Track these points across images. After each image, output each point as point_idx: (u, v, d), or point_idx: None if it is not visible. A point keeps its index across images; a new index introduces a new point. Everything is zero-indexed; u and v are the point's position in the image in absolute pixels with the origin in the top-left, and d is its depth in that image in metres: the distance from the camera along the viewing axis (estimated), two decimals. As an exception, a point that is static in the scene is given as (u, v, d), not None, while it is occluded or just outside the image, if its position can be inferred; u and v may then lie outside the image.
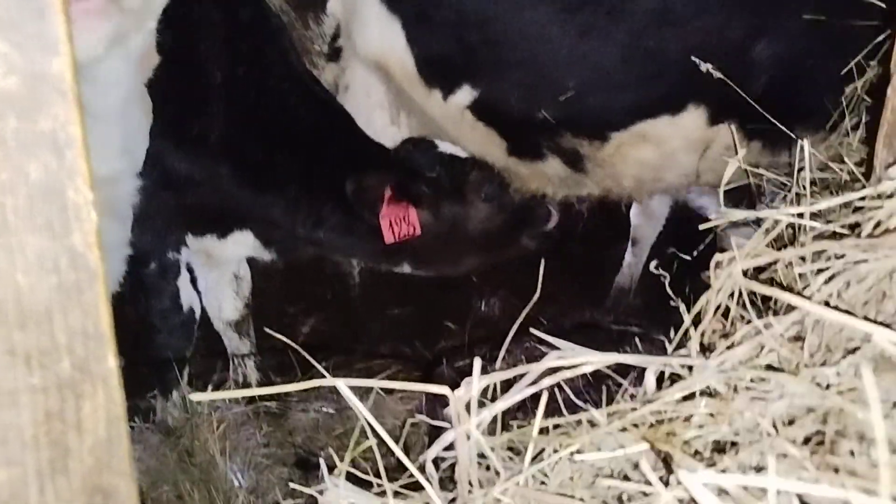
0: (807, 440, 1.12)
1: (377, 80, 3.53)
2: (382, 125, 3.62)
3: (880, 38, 2.20)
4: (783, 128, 2.22)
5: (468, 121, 3.42)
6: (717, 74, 2.38)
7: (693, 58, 2.45)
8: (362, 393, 3.61)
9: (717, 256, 1.34)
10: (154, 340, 3.25)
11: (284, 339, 1.59)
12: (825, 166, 2.16)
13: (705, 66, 2.39)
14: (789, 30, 2.94)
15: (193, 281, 3.49)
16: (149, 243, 3.03)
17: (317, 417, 3.48)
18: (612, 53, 3.07)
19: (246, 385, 3.77)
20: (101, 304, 0.97)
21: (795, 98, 2.88)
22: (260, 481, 3.17)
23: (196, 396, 1.24)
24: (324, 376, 1.32)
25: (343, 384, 1.26)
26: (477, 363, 1.17)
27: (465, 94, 3.33)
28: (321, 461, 1.24)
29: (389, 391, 3.40)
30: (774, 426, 1.14)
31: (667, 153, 3.28)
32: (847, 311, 1.22)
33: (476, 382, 1.17)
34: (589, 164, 3.42)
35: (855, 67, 2.31)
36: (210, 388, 3.47)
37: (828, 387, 1.21)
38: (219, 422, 3.37)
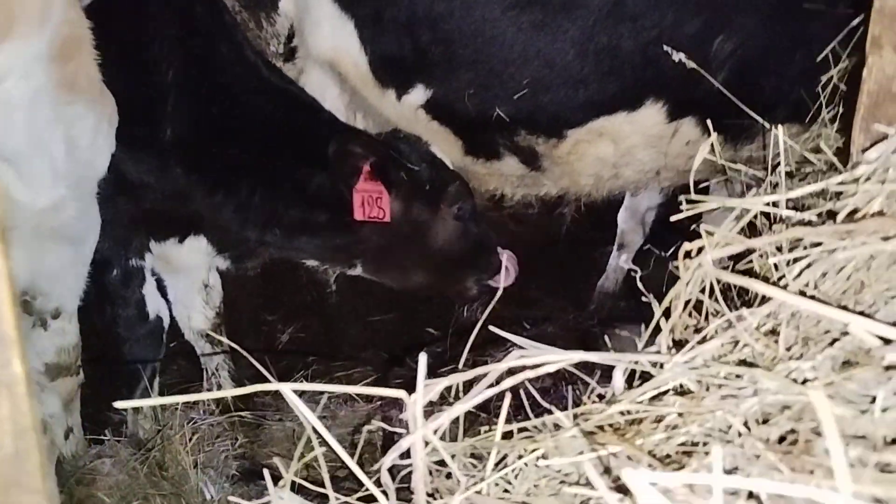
0: (782, 439, 1.04)
1: (332, 82, 3.46)
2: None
3: (854, 22, 2.13)
4: (756, 117, 2.15)
5: (422, 120, 3.36)
6: (691, 64, 2.31)
7: (665, 47, 2.38)
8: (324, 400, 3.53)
9: (686, 246, 1.27)
10: (121, 350, 3.15)
11: (229, 342, 1.50)
12: (804, 159, 2.10)
13: (678, 56, 2.32)
14: (749, 22, 2.90)
15: (163, 290, 3.40)
16: (110, 250, 2.92)
17: (292, 427, 3.39)
18: (565, 49, 3.03)
19: (222, 397, 3.67)
20: (3, 306, 0.88)
21: (758, 90, 2.83)
22: (233, 493, 3.08)
23: (120, 404, 1.15)
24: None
25: (288, 389, 1.18)
26: (422, 361, 1.09)
27: (418, 94, 3.28)
28: (265, 472, 1.15)
29: (351, 397, 3.31)
30: (747, 425, 1.06)
31: (625, 150, 3.24)
32: (824, 302, 1.15)
33: (420, 383, 1.08)
34: (546, 162, 3.37)
35: (831, 56, 2.25)
36: (181, 399, 3.35)
37: (804, 382, 1.14)
38: (191, 433, 3.28)
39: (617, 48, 2.95)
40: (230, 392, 1.16)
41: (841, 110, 2.12)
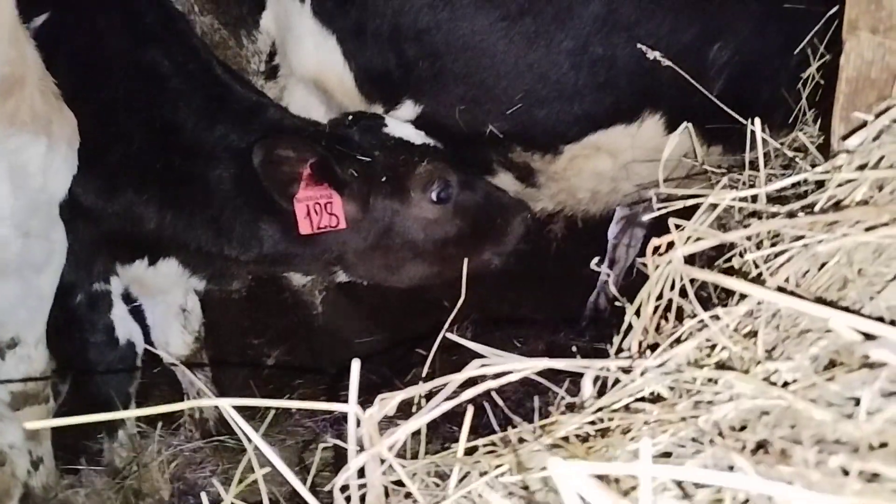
0: (759, 446, 0.95)
1: (317, 100, 3.38)
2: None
3: (832, 11, 2.06)
4: (738, 117, 2.08)
5: None
6: (666, 62, 2.24)
7: (640, 45, 2.31)
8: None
9: (654, 241, 1.18)
10: (93, 377, 3.04)
11: (171, 357, 1.41)
12: (789, 162, 2.02)
13: (653, 54, 2.25)
14: (745, 28, 2.83)
15: (139, 314, 3.31)
16: (73, 274, 2.80)
17: (280, 454, 3.30)
18: (559, 62, 2.91)
19: (203, 421, 3.57)
20: None
21: (755, 96, 2.76)
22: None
23: (30, 425, 1.06)
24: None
25: (227, 403, 1.09)
26: (355, 368, 1.00)
27: (407, 110, 3.17)
28: (202, 495, 1.06)
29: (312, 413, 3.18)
30: (721, 434, 0.97)
31: (623, 163, 3.14)
32: (803, 298, 1.06)
33: (353, 393, 0.99)
34: (542, 178, 3.26)
35: (811, 51, 2.18)
36: (160, 425, 3.26)
37: (784, 385, 1.05)
38: (169, 460, 3.18)
39: (612, 59, 2.86)
40: (160, 409, 1.07)
41: (820, 109, 2.05)
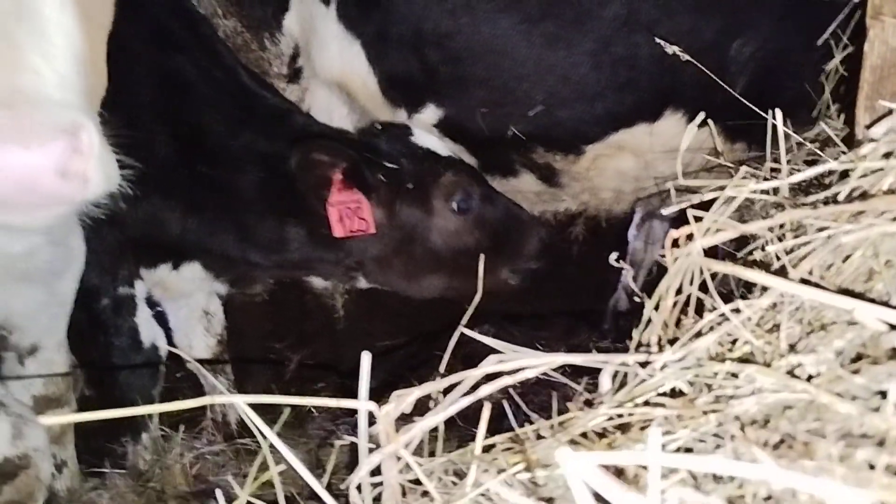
0: (782, 442, 0.92)
1: (339, 101, 3.39)
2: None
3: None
4: (758, 111, 2.04)
5: None
6: (685, 57, 2.21)
7: (658, 39, 2.28)
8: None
9: (673, 233, 1.16)
10: (117, 380, 3.06)
11: (191, 359, 1.41)
12: (812, 155, 1.98)
13: (672, 49, 2.23)
14: (766, 24, 2.79)
15: (162, 317, 3.33)
16: (98, 279, 2.83)
17: (297, 454, 3.29)
18: (580, 62, 2.90)
19: (225, 424, 3.58)
20: None
21: (779, 92, 2.71)
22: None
23: (47, 420, 1.06)
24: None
25: (243, 401, 1.08)
26: (365, 362, 0.99)
27: (430, 113, 3.18)
28: (217, 492, 1.05)
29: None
30: (742, 428, 0.95)
31: (647, 162, 3.12)
32: (826, 289, 1.03)
33: (363, 386, 0.98)
34: (564, 178, 3.25)
35: (834, 43, 2.14)
36: (182, 428, 3.27)
37: (808, 379, 1.02)
38: (192, 463, 3.19)
39: (633, 58, 2.85)
40: (173, 406, 1.06)
41: (844, 103, 2.01)
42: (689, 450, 0.99)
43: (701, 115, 1.52)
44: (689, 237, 1.14)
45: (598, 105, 2.96)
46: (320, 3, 3.10)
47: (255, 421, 1.08)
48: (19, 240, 2.11)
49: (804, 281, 1.12)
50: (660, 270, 2.42)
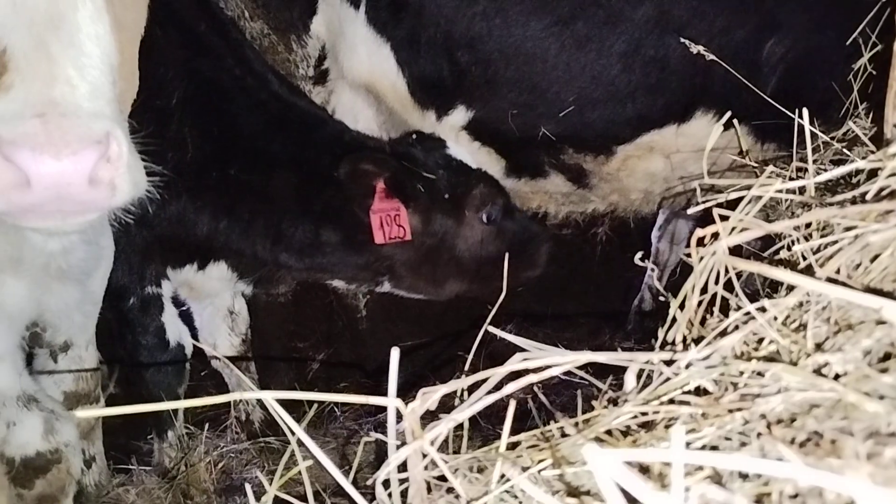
0: (808, 440, 0.92)
1: (364, 104, 3.41)
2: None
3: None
4: (786, 111, 2.03)
5: (464, 141, 3.29)
6: (710, 57, 2.21)
7: (683, 39, 2.28)
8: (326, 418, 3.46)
9: (699, 231, 1.16)
10: (144, 378, 3.10)
11: (218, 354, 1.43)
12: (840, 154, 1.97)
13: (696, 48, 2.22)
14: (798, 24, 2.77)
15: (188, 316, 3.37)
16: (126, 278, 2.88)
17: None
18: (611, 64, 2.91)
19: (249, 423, 3.62)
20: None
21: (811, 91, 2.69)
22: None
23: (83, 413, 1.08)
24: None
25: (270, 396, 1.10)
26: (394, 357, 1.00)
27: (459, 115, 3.20)
28: (246, 486, 1.07)
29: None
30: (769, 427, 0.95)
31: (677, 163, 3.10)
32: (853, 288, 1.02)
33: (392, 381, 0.99)
34: (594, 179, 3.26)
35: (862, 42, 2.12)
36: (207, 426, 3.31)
37: (836, 378, 1.02)
38: (216, 461, 3.23)
39: (665, 60, 2.85)
40: (200, 401, 1.08)
41: (873, 102, 1.99)
42: (714, 448, 0.99)
43: (727, 115, 1.52)
44: (715, 236, 1.14)
45: (629, 106, 2.98)
46: (349, 7, 3.13)
47: (283, 416, 1.10)
48: (57, 238, 2.15)
49: (831, 280, 1.12)
50: (684, 271, 2.42)
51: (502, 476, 1.18)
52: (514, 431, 1.24)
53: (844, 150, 1.81)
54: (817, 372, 1.02)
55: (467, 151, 3.19)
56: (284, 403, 1.19)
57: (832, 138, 1.90)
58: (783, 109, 2.10)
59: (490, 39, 2.98)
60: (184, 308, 3.36)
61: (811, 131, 1.54)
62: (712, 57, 2.24)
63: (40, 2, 1.37)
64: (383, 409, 3.55)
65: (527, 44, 2.95)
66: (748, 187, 1.27)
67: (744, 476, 0.88)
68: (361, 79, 3.29)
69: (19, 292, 2.25)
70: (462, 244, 2.95)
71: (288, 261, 2.95)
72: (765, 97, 2.25)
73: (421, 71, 3.14)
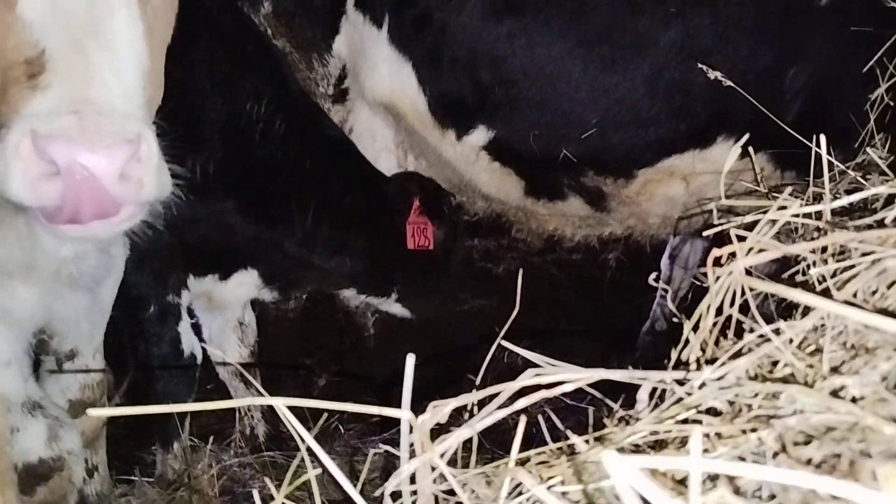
0: (824, 461, 0.91)
1: (382, 123, 3.44)
2: (389, 168, 3.53)
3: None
4: (802, 139, 2.03)
5: (483, 161, 3.30)
6: (728, 83, 2.22)
7: (700, 64, 2.29)
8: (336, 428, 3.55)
9: (716, 252, 1.16)
10: (154, 388, 3.09)
11: (232, 360, 1.42)
12: (857, 182, 1.97)
13: (713, 74, 2.23)
14: (820, 53, 2.80)
15: (196, 327, 3.36)
16: (148, 287, 2.90)
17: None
18: (635, 87, 2.93)
19: (254, 438, 3.60)
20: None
21: (829, 121, 2.70)
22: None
23: (94, 412, 1.08)
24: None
25: (282, 403, 1.09)
26: (410, 364, 0.99)
27: (480, 135, 3.22)
28: (254, 493, 1.06)
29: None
30: (784, 448, 0.94)
31: (695, 188, 3.10)
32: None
33: (407, 390, 0.98)
34: (613, 202, 3.27)
35: (879, 72, 2.13)
36: (211, 439, 3.30)
37: (853, 401, 1.01)
38: (219, 474, 3.21)
39: (688, 84, 2.87)
40: (213, 405, 1.08)
41: (889, 132, 1.99)
42: (728, 468, 0.98)
43: (745, 136, 1.52)
44: (732, 256, 1.14)
45: (651, 130, 3.00)
46: (372, 26, 3.16)
47: (294, 423, 1.09)
48: (70, 244, 2.16)
49: (848, 303, 1.11)
50: (696, 294, 2.40)
51: (513, 489, 1.17)
52: (524, 445, 1.23)
53: (860, 179, 1.81)
54: (834, 394, 1.01)
55: (486, 170, 3.25)
56: (294, 416, 1.19)
57: (847, 167, 1.90)
58: (800, 138, 2.10)
59: (514, 60, 3.01)
60: (193, 321, 3.36)
61: (828, 160, 1.54)
62: (730, 83, 2.24)
63: (79, 6, 1.41)
64: (389, 427, 3.57)
65: (551, 65, 2.98)
66: (765, 210, 1.27)
67: (759, 497, 0.87)
68: (382, 97, 3.32)
69: (29, 298, 2.26)
70: (452, 259, 3.61)
71: (338, 266, 3.24)
72: (782, 125, 2.25)
73: (442, 90, 3.17)
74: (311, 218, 3.05)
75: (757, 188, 2.33)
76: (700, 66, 2.33)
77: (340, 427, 3.60)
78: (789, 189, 1.26)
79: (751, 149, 1.71)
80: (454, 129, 3.25)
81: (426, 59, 3.14)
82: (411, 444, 1.16)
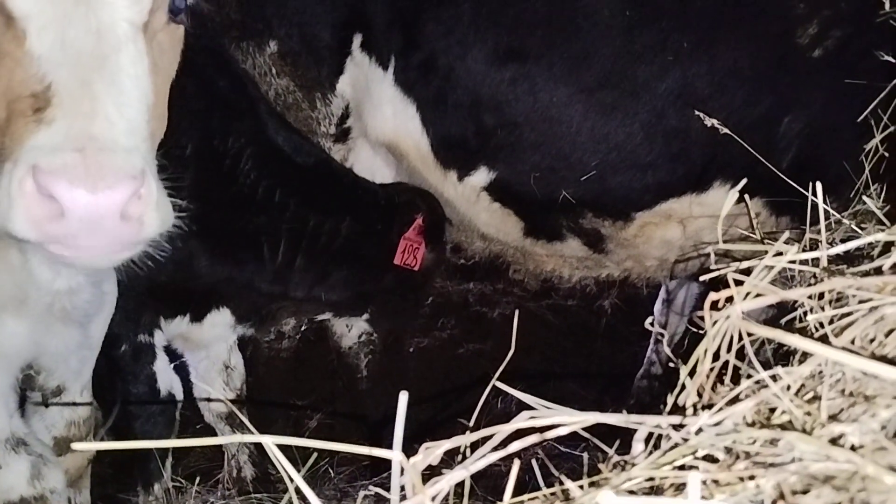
0: (824, 512, 0.89)
1: (383, 162, 3.46)
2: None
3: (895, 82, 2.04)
4: (797, 187, 2.04)
5: (484, 202, 3.33)
6: (724, 130, 2.24)
7: (697, 112, 2.32)
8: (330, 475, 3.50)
9: (713, 295, 1.15)
10: (132, 427, 3.04)
11: (223, 398, 1.40)
12: (853, 231, 1.97)
13: (710, 122, 2.26)
14: (815, 102, 2.85)
15: (183, 369, 3.32)
16: (119, 326, 2.85)
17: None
18: (635, 132, 2.99)
19: (241, 480, 3.53)
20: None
21: (824, 168, 2.74)
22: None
23: (78, 446, 1.05)
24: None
25: (271, 441, 1.07)
26: (402, 402, 0.97)
27: (481, 176, 3.25)
28: (239, 534, 1.03)
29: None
30: (782, 496, 0.92)
31: (692, 232, 3.13)
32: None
33: (398, 430, 0.96)
34: (611, 244, 3.29)
35: (874, 121, 2.15)
36: (198, 480, 3.23)
37: (853, 449, 0.99)
38: (204, 517, 3.15)
39: (686, 131, 2.92)
40: (179, 442, 1.05)
41: (884, 182, 2.00)
42: (724, 518, 0.96)
43: (743, 181, 1.53)
44: (729, 301, 1.13)
45: (649, 173, 3.04)
46: (377, 67, 3.19)
47: (283, 462, 1.07)
48: (65, 277, 2.16)
49: (846, 350, 1.10)
50: (691, 339, 2.39)
51: (503, 538, 1.14)
52: (516, 490, 1.20)
53: (855, 228, 1.82)
54: (833, 442, 0.99)
55: (486, 211, 3.27)
56: (285, 456, 1.17)
57: (843, 215, 1.91)
58: (795, 185, 2.12)
59: (517, 104, 3.07)
60: (181, 360, 3.31)
61: (824, 209, 1.54)
62: (726, 131, 2.27)
63: (87, 42, 1.43)
64: (379, 471, 3.51)
65: (553, 109, 3.04)
66: (762, 256, 1.26)
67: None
68: (385, 138, 3.34)
69: (19, 333, 2.23)
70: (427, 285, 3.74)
71: (297, 295, 3.15)
72: (777, 173, 2.28)
73: (446, 131, 3.21)
74: (283, 254, 3.00)
75: (756, 237, 2.34)
76: (697, 113, 2.35)
77: (330, 470, 3.54)
78: (785, 235, 1.26)
79: (746, 195, 1.72)
80: (456, 170, 3.29)
81: (431, 102, 3.18)
82: (402, 487, 1.14)
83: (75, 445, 1.12)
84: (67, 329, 2.37)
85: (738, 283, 1.14)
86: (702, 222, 3.07)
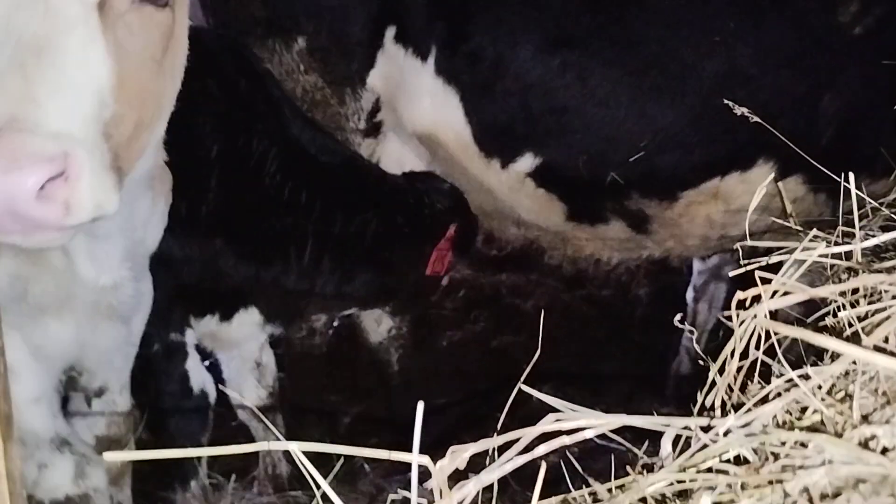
0: (855, 517, 0.87)
1: (413, 153, 3.45)
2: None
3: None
4: (827, 171, 2.02)
5: (528, 188, 3.31)
6: (754, 118, 2.22)
7: (725, 101, 2.31)
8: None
9: (740, 294, 1.13)
10: (167, 426, 3.08)
11: (248, 403, 1.41)
12: (890, 220, 1.92)
13: (740, 110, 2.23)
14: (853, 79, 2.87)
15: (215, 366, 3.35)
16: (151, 325, 2.90)
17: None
18: (682, 114, 3.01)
19: (276, 476, 3.57)
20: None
21: (861, 147, 2.73)
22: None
23: (110, 455, 1.07)
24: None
25: (297, 448, 1.08)
26: (420, 409, 0.98)
27: (526, 162, 3.24)
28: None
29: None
30: (811, 501, 0.90)
31: (734, 210, 3.14)
32: (902, 358, 0.98)
33: (417, 436, 0.97)
34: (654, 224, 3.29)
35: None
36: (234, 477, 3.28)
37: (883, 452, 0.97)
38: (242, 515, 3.19)
39: (732, 110, 2.95)
40: (226, 450, 1.07)
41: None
42: (754, 521, 0.95)
43: (770, 178, 1.50)
44: (757, 298, 1.11)
45: (696, 153, 3.06)
46: (415, 59, 3.19)
47: (309, 468, 1.08)
48: (108, 272, 2.17)
49: (878, 349, 1.08)
50: (725, 334, 2.36)
51: (531, 540, 1.14)
52: (544, 496, 1.20)
53: (893, 216, 1.77)
54: (863, 445, 0.97)
55: (529, 196, 3.25)
56: (314, 457, 1.17)
57: (881, 203, 1.86)
58: (829, 173, 2.08)
59: (566, 89, 3.07)
60: (211, 360, 3.35)
61: (858, 195, 1.50)
62: (756, 119, 2.25)
63: (32, 23, 1.41)
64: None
65: (602, 93, 3.05)
66: (791, 251, 1.24)
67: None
68: (423, 128, 3.33)
69: (63, 335, 2.27)
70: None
71: (325, 292, 3.13)
72: (806, 157, 2.26)
73: (491, 119, 3.21)
74: (310, 253, 3.00)
75: (790, 225, 2.31)
76: (727, 102, 2.34)
77: (366, 465, 3.56)
78: (814, 232, 1.23)
79: (781, 186, 1.69)
80: (499, 158, 3.29)
81: (477, 90, 3.18)
82: (430, 490, 1.14)
83: (107, 455, 1.13)
84: (113, 326, 2.40)
85: (765, 280, 1.12)
86: (745, 199, 3.08)
